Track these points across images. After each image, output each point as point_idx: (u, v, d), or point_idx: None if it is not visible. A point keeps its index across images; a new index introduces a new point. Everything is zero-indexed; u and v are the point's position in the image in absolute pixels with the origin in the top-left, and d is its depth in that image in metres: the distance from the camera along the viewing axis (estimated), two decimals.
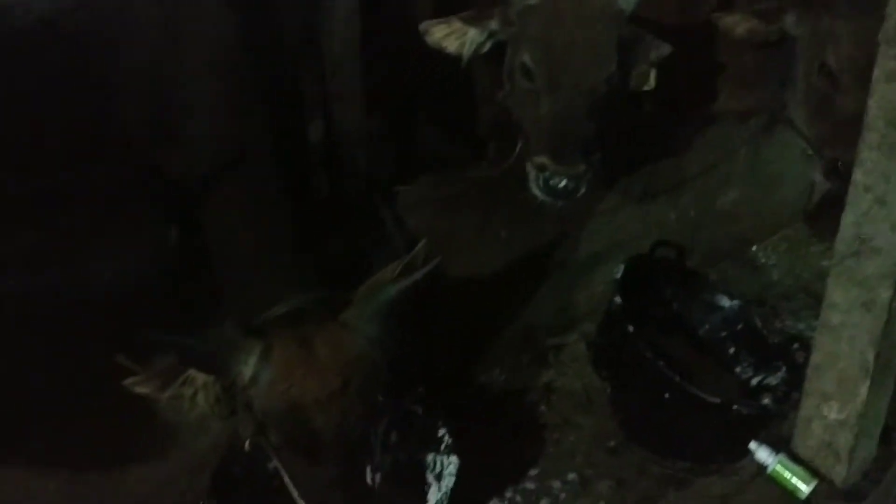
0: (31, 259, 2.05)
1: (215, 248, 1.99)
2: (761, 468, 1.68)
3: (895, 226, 1.42)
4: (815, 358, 1.60)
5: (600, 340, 2.71)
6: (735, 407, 2.30)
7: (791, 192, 3.70)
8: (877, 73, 1.37)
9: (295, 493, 1.81)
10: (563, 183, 2.05)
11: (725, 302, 2.78)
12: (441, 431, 2.25)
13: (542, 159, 2.07)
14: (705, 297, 2.81)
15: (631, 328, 2.44)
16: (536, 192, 2.15)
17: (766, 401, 2.47)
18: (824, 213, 3.68)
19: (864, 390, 1.53)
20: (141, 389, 1.72)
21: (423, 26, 2.12)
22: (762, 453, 1.70)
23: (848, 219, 1.50)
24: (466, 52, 2.13)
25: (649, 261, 2.80)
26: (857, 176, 1.46)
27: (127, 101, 2.03)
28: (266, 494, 2.24)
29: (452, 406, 2.72)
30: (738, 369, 2.71)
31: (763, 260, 3.60)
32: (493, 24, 2.11)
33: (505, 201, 2.74)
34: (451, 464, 2.15)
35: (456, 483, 2.09)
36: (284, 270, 1.90)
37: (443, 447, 2.22)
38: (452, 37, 2.12)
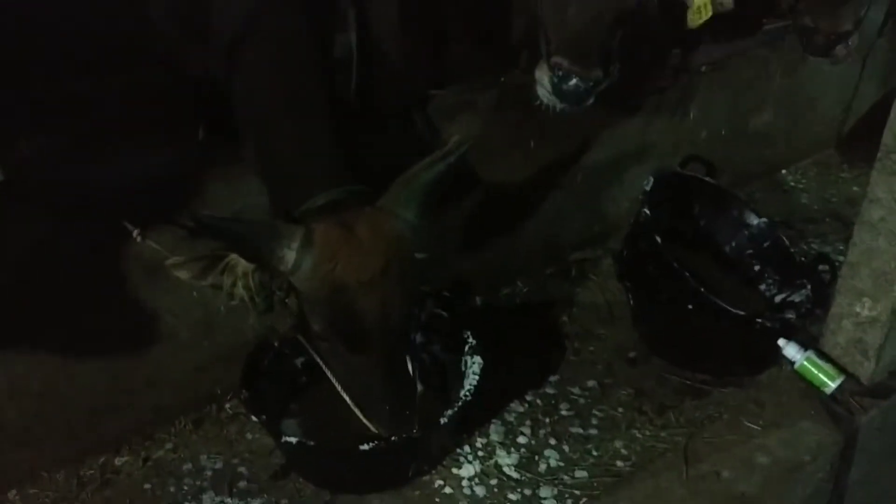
0: (69, 154, 2.12)
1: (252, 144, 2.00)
2: (786, 366, 1.69)
3: None
4: (852, 255, 1.59)
5: (626, 252, 2.71)
6: (758, 321, 2.31)
7: (824, 118, 3.65)
8: None
9: (338, 386, 1.85)
10: (574, 83, 1.99)
11: (753, 219, 2.77)
12: (465, 334, 2.27)
13: (558, 58, 2.02)
14: (733, 214, 2.79)
15: (658, 240, 2.44)
16: (544, 93, 2.08)
17: (789, 316, 2.47)
18: (856, 140, 3.65)
19: None
20: (180, 273, 1.73)
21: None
22: (790, 349, 1.71)
23: None
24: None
25: (679, 176, 2.77)
26: None
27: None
28: (292, 388, 2.32)
29: (477, 312, 2.77)
30: (762, 286, 2.71)
31: (792, 183, 3.57)
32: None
33: (535, 111, 2.71)
34: (475, 363, 2.18)
35: (479, 382, 2.12)
36: (320, 169, 1.89)
37: (467, 348, 2.24)
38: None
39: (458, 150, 1.76)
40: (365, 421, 1.84)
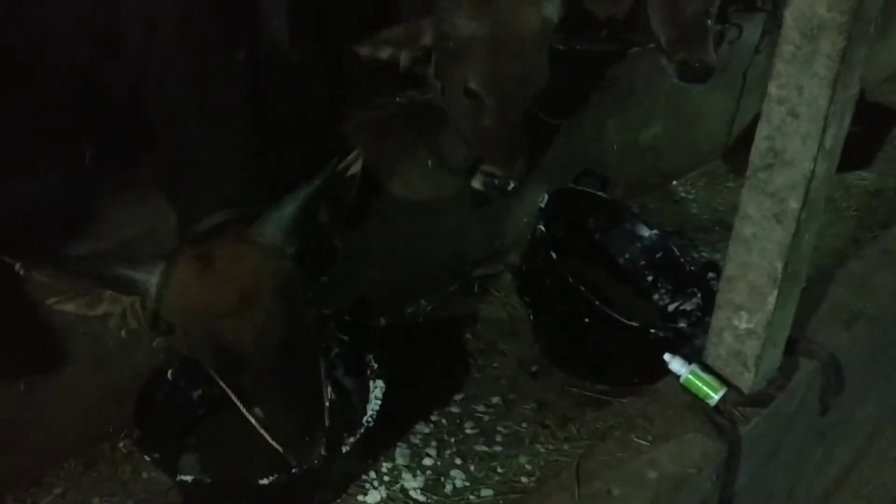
0: None
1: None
2: (674, 378, 1.75)
3: (806, 138, 1.47)
4: (728, 270, 1.66)
5: (524, 268, 2.75)
6: (652, 331, 2.39)
7: (709, 130, 3.81)
8: None
9: (245, 412, 1.79)
10: (512, 185, 2.28)
11: (645, 231, 2.86)
12: (367, 357, 2.25)
13: (490, 168, 2.27)
14: (626, 227, 2.88)
15: (553, 255, 2.48)
16: (482, 190, 2.33)
17: (681, 324, 2.56)
18: (742, 150, 3.82)
19: (772, 300, 1.61)
20: (67, 307, 1.67)
21: (356, 47, 2.24)
22: (676, 364, 1.77)
23: (762, 132, 1.55)
24: (403, 66, 2.24)
25: (573, 191, 2.84)
26: (772, 89, 1.51)
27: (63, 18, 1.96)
28: (189, 421, 2.24)
29: (379, 334, 2.76)
30: (655, 296, 2.81)
31: (683, 194, 3.71)
32: (426, 40, 2.20)
33: (432, 129, 2.73)
34: (377, 388, 2.16)
35: (382, 407, 2.11)
36: (213, 190, 1.85)
37: (368, 373, 2.22)
38: (384, 51, 2.23)
39: (325, 175, 1.74)
40: (272, 442, 1.79)
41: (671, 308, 2.74)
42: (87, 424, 2.22)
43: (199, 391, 2.19)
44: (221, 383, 1.79)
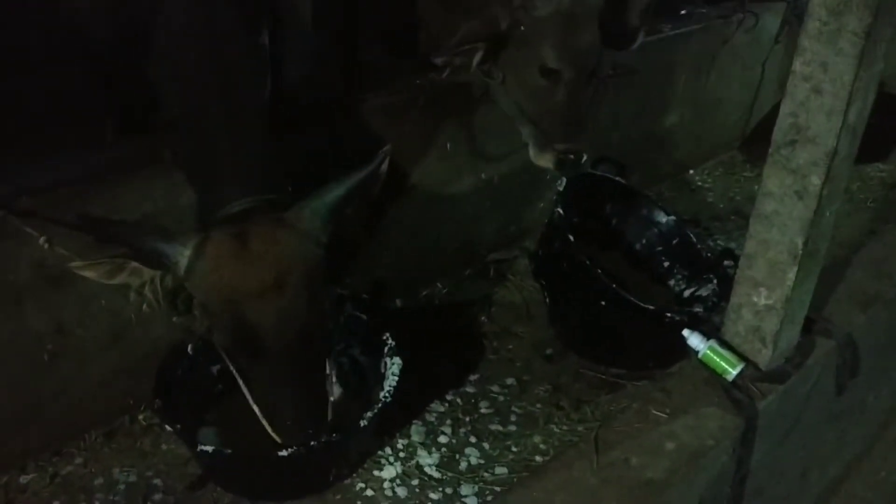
0: None
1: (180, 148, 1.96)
2: (693, 354, 1.76)
3: (830, 114, 1.48)
4: (749, 246, 1.67)
5: (541, 251, 2.76)
6: (667, 314, 2.39)
7: (728, 119, 3.82)
8: None
9: (248, 396, 1.82)
10: (584, 158, 2.41)
11: (662, 218, 2.86)
12: (384, 336, 2.27)
13: (563, 146, 2.38)
14: (643, 213, 2.88)
15: (571, 238, 2.49)
16: (554, 169, 2.44)
17: (697, 309, 2.57)
18: (759, 140, 3.82)
19: (791, 276, 1.61)
20: (87, 273, 1.69)
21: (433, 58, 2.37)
22: (694, 339, 1.78)
23: (786, 108, 1.55)
24: (475, 63, 2.36)
25: (591, 177, 2.85)
26: (797, 66, 1.51)
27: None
28: (208, 396, 2.26)
29: (397, 315, 2.78)
30: (671, 282, 2.81)
31: (699, 183, 3.72)
32: (501, 28, 2.32)
33: (452, 113, 2.74)
34: (395, 365, 2.18)
35: (398, 384, 2.12)
36: (238, 177, 1.86)
37: (386, 350, 2.24)
38: (458, 59, 2.36)
39: (374, 164, 1.76)
40: (268, 429, 1.82)
41: (687, 294, 2.75)
42: (107, 397, 2.24)
43: (219, 366, 2.20)
44: (229, 363, 1.82)
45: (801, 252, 1.59)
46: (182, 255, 1.67)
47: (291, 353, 1.74)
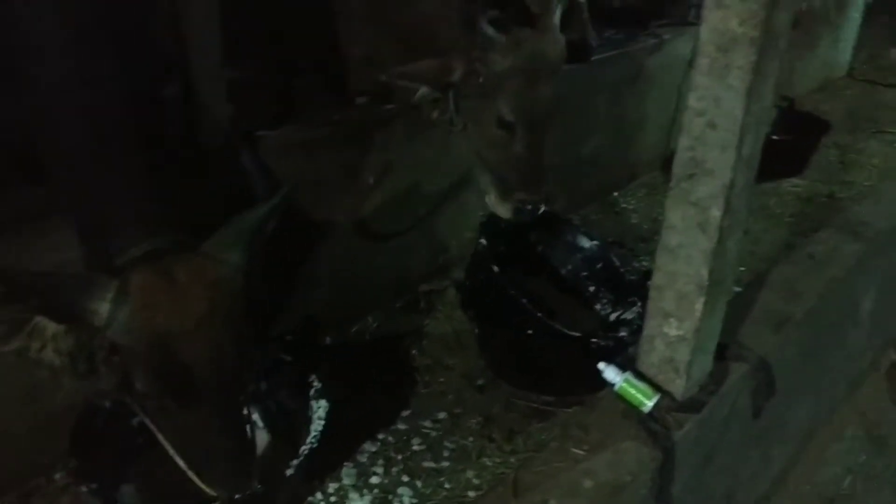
0: None
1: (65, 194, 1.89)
2: (610, 387, 1.77)
3: (725, 148, 1.51)
4: (657, 278, 1.70)
5: (468, 283, 2.76)
6: (593, 340, 2.41)
7: (648, 141, 3.90)
8: (709, 1, 1.45)
9: (168, 447, 1.75)
10: (542, 209, 2.43)
11: (586, 243, 2.89)
12: (310, 378, 2.23)
13: (523, 195, 2.39)
14: (567, 239, 2.91)
15: (496, 268, 2.50)
16: (513, 217, 2.44)
17: (622, 333, 2.60)
18: None
19: (699, 307, 1.64)
20: None
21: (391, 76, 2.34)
22: (610, 372, 1.80)
23: (684, 143, 1.59)
24: (420, 99, 2.36)
25: None
26: (691, 101, 1.55)
27: None
28: (130, 452, 2.19)
29: (325, 353, 2.74)
30: (598, 306, 2.84)
31: (623, 205, 3.78)
32: (455, 77, 2.30)
33: (373, 147, 2.74)
34: (321, 408, 2.15)
35: (327, 426, 2.09)
36: (138, 219, 1.81)
37: (312, 393, 2.20)
38: (416, 85, 2.34)
39: (280, 195, 1.74)
40: (200, 484, 1.76)
41: (613, 318, 2.77)
42: (22, 457, 2.15)
43: (138, 420, 2.14)
44: (147, 416, 1.75)
45: (707, 283, 1.62)
46: (102, 300, 1.58)
47: (221, 395, 1.69)
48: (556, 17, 2.33)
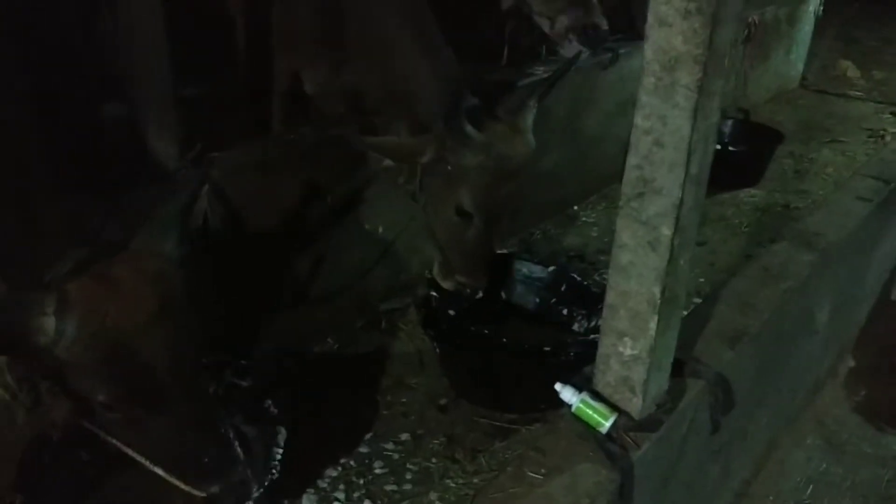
0: None
1: None
2: (567, 407, 1.76)
3: (672, 166, 1.51)
4: (610, 298, 1.69)
5: (428, 303, 2.73)
6: (552, 353, 2.39)
7: (606, 155, 3.92)
8: (651, 19, 1.45)
9: (141, 460, 1.69)
10: (479, 294, 2.52)
11: (543, 272, 2.86)
12: (266, 403, 2.19)
13: (464, 280, 2.49)
14: (523, 274, 2.87)
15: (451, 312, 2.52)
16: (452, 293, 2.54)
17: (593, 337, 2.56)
18: None
19: (653, 325, 1.64)
20: None
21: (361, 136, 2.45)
22: (566, 393, 1.78)
23: (632, 161, 1.59)
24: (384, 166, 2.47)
25: None
26: (638, 120, 1.55)
27: None
28: (80, 485, 2.12)
29: (283, 376, 2.69)
30: (576, 325, 2.79)
31: (584, 218, 3.79)
32: (424, 159, 2.34)
33: (329, 167, 2.71)
34: (279, 434, 2.10)
35: (286, 454, 2.05)
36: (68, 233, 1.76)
37: (269, 418, 2.16)
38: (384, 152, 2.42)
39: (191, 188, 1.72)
40: (184, 487, 1.70)
41: (592, 328, 2.75)
42: None
43: (90, 449, 2.08)
44: (112, 435, 1.69)
45: (659, 301, 1.62)
46: (44, 316, 1.50)
47: (187, 388, 1.64)
48: (531, 118, 2.39)
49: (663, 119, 1.50)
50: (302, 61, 2.74)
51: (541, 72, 3.33)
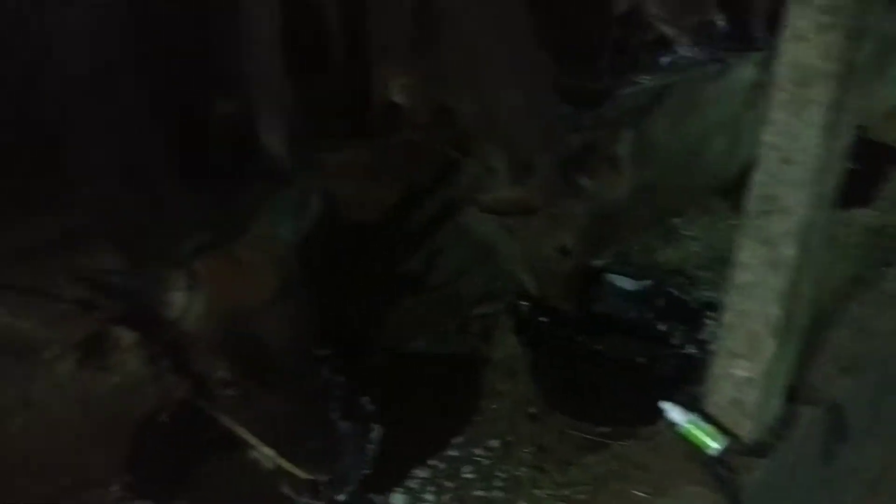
0: None
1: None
2: (673, 427, 1.71)
3: (800, 185, 1.46)
4: (726, 318, 1.64)
5: (521, 310, 2.73)
6: (648, 366, 2.34)
7: (710, 168, 3.80)
8: (785, 33, 1.40)
9: (251, 439, 1.76)
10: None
11: (639, 286, 2.81)
12: (362, 400, 2.22)
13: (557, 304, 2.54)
14: (619, 286, 2.82)
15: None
16: None
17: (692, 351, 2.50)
18: (742, 188, 3.81)
19: (770, 348, 1.58)
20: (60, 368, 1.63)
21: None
22: (674, 413, 1.74)
23: (757, 179, 1.54)
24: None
25: None
26: (766, 136, 1.50)
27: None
28: (187, 468, 2.19)
29: (375, 376, 2.72)
30: (673, 341, 2.71)
31: (683, 231, 3.69)
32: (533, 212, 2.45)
33: (431, 168, 2.72)
34: (373, 432, 2.13)
35: (378, 452, 2.07)
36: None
37: (363, 416, 2.19)
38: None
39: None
40: (292, 469, 1.75)
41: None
42: (77, 470, 2.17)
43: (195, 435, 2.15)
44: (227, 414, 1.75)
45: (779, 324, 1.56)
46: (175, 290, 1.63)
47: (301, 371, 1.71)
48: (630, 148, 2.49)
49: (794, 136, 1.45)
50: (393, 69, 2.76)
51: (647, 81, 3.27)
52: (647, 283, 2.79)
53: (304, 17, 2.52)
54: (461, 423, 2.57)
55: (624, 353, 2.44)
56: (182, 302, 1.59)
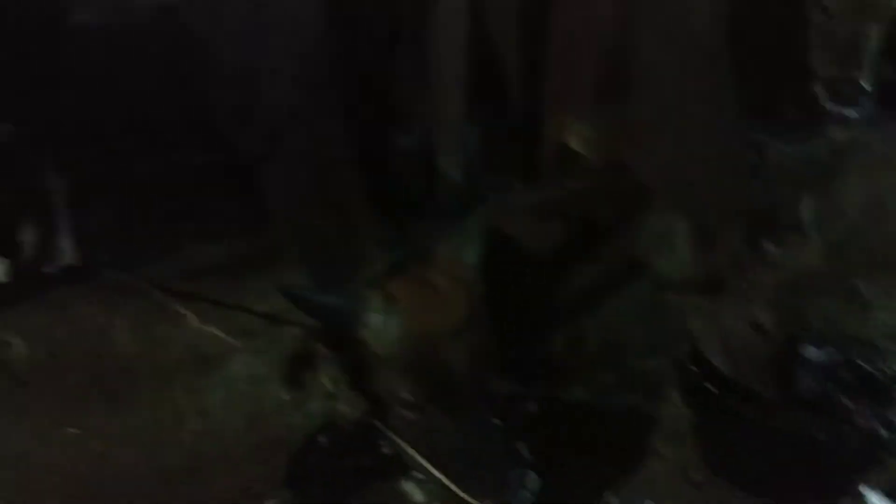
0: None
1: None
2: None
3: None
4: None
5: (690, 368, 2.60)
6: (834, 443, 2.16)
7: None
8: None
9: (428, 465, 1.76)
10: None
11: (822, 356, 2.59)
12: (520, 446, 2.17)
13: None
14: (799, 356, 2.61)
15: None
16: None
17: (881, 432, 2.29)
18: None
19: None
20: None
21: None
22: (874, 499, 1.56)
23: None
24: None
25: None
26: None
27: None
28: (343, 489, 2.21)
29: (531, 422, 2.65)
30: (860, 420, 2.47)
31: (869, 297, 3.41)
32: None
33: (601, 216, 2.67)
34: (531, 480, 2.08)
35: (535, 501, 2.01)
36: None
37: (521, 462, 2.14)
38: None
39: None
40: (467, 498, 1.73)
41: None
42: (237, 481, 2.24)
43: (356, 458, 2.16)
44: (403, 438, 1.76)
45: None
46: (372, 311, 1.66)
47: (481, 399, 1.71)
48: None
49: None
50: (571, 113, 2.73)
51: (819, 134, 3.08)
52: (832, 354, 2.57)
53: (490, 61, 2.55)
54: (615, 481, 2.46)
55: (802, 428, 2.25)
56: (378, 322, 1.62)
